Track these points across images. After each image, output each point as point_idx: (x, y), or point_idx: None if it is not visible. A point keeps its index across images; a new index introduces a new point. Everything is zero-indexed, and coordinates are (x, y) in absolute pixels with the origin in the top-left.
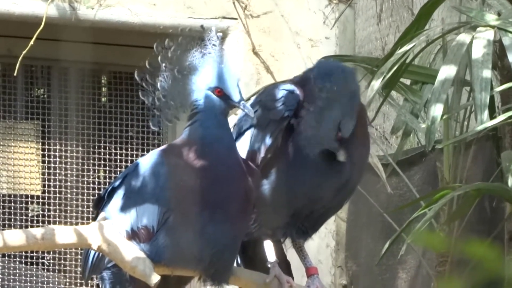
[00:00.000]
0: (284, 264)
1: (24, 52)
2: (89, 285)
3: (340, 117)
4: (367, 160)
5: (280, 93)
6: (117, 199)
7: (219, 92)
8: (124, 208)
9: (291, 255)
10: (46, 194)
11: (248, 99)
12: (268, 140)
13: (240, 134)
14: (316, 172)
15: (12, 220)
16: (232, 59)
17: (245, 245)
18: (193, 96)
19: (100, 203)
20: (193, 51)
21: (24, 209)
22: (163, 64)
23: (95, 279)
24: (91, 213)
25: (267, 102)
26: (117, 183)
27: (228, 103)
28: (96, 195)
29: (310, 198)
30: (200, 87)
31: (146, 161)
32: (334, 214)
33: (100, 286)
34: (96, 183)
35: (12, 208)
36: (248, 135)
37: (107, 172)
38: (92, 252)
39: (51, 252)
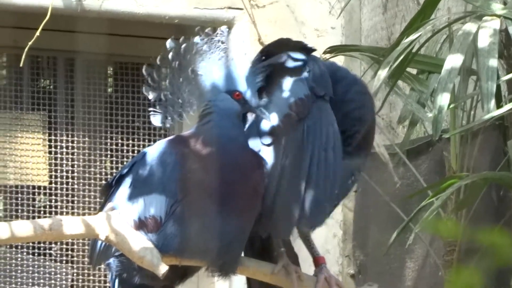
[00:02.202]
0: (291, 255)
1: (30, 43)
2: (97, 275)
3: None
4: (371, 147)
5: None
6: (125, 187)
7: (237, 96)
8: (132, 197)
9: (299, 246)
10: (53, 185)
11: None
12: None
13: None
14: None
15: (20, 211)
16: (249, 63)
17: (252, 235)
18: (208, 97)
19: (108, 191)
20: (210, 51)
21: (31, 200)
22: (175, 62)
23: (102, 267)
24: (98, 203)
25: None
26: (125, 170)
27: (245, 107)
28: (104, 182)
29: (322, 183)
30: (218, 88)
31: (154, 151)
32: (344, 198)
33: (108, 274)
34: (103, 173)
35: (19, 199)
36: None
37: (114, 162)
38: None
39: (59, 243)
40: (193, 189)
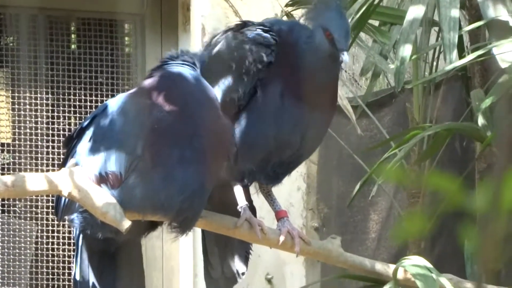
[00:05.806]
0: (251, 209)
1: None
2: (61, 231)
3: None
4: (334, 108)
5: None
6: (85, 141)
7: None
8: (92, 151)
9: (262, 200)
10: (17, 142)
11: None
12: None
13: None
14: (283, 115)
15: None
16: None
17: (214, 190)
18: None
19: (70, 144)
20: None
21: None
22: None
23: (67, 223)
24: (61, 159)
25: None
26: (85, 123)
27: None
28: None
29: (279, 143)
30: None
31: (115, 103)
32: (306, 159)
33: (72, 230)
34: (67, 130)
35: None
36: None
37: (78, 118)
38: None
39: (23, 200)
40: (152, 144)
